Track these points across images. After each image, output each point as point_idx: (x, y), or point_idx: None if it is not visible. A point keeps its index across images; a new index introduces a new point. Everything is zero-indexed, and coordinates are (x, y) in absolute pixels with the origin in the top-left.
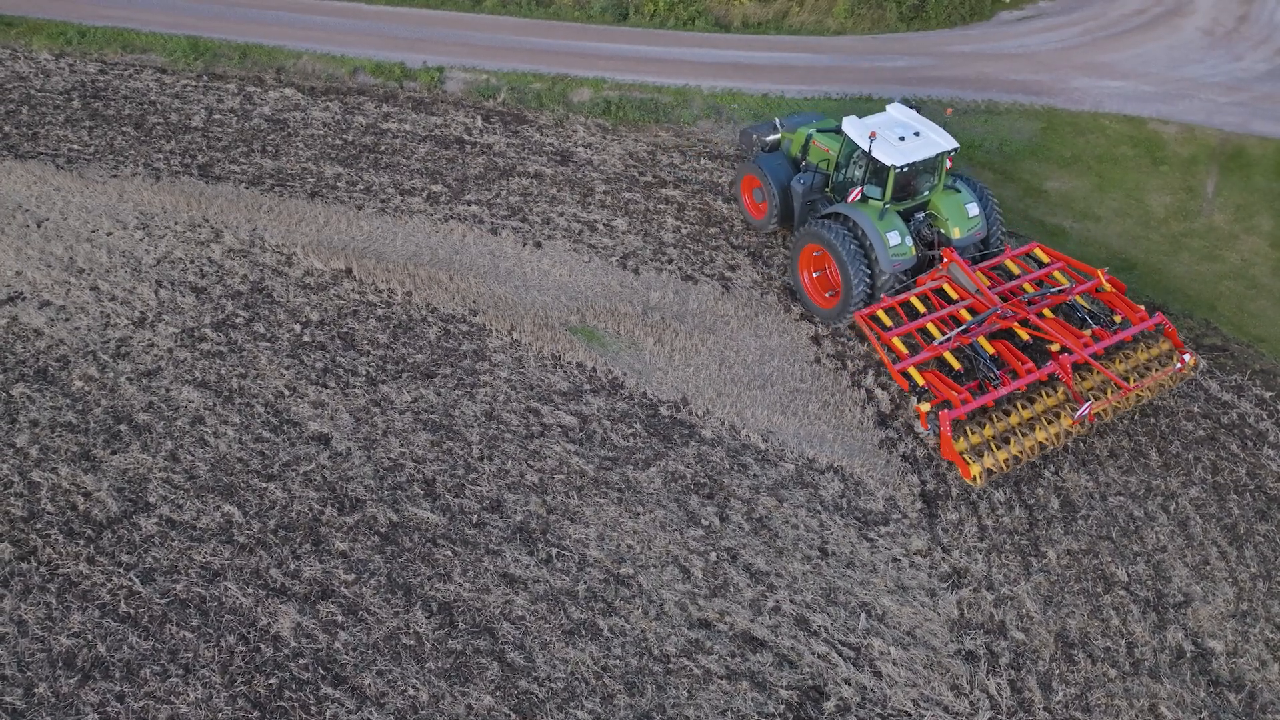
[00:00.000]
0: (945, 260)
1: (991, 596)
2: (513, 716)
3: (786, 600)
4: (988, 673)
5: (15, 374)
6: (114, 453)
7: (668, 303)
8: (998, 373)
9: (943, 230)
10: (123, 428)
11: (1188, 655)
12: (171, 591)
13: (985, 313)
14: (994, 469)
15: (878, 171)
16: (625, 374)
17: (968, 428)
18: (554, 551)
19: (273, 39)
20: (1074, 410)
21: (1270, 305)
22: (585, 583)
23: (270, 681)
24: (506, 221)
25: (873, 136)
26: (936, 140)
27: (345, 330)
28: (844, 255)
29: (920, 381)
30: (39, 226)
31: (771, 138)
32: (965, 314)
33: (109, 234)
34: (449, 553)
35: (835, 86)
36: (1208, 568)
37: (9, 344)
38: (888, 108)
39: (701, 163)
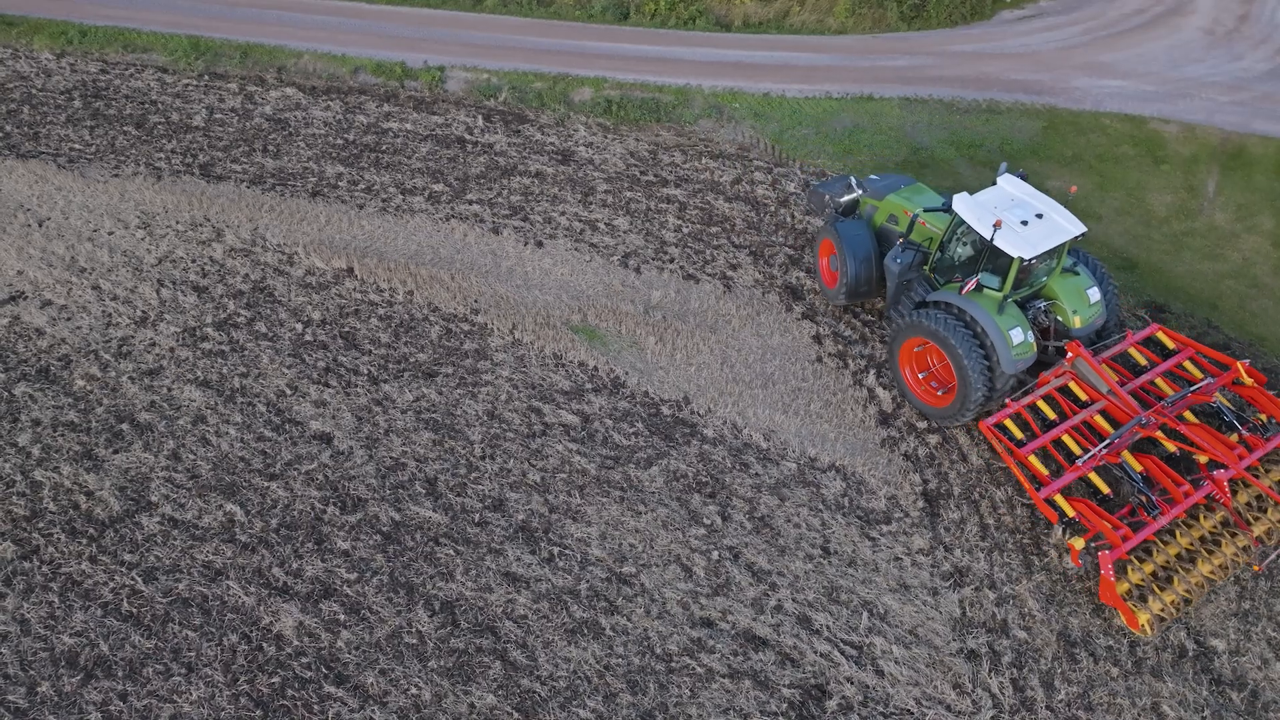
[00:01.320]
0: (1070, 355)
1: (993, 595)
2: (515, 715)
3: (789, 599)
4: (990, 671)
5: (17, 373)
6: (116, 452)
7: (669, 302)
8: (1154, 498)
9: (1062, 319)
10: (125, 427)
11: (1190, 654)
12: (174, 590)
13: (1128, 424)
14: (1164, 615)
15: (998, 260)
16: (627, 373)
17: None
18: (556, 550)
19: (274, 38)
20: (1236, 536)
21: (1272, 304)
22: (587, 582)
23: (273, 680)
24: (508, 221)
25: (998, 226)
26: (1063, 225)
27: (347, 329)
28: (962, 355)
29: (1070, 513)
30: (40, 226)
31: (846, 199)
32: (1100, 420)
33: (110, 233)
34: (451, 552)
35: (836, 86)
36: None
37: (11, 343)
38: (999, 180)
39: (703, 162)
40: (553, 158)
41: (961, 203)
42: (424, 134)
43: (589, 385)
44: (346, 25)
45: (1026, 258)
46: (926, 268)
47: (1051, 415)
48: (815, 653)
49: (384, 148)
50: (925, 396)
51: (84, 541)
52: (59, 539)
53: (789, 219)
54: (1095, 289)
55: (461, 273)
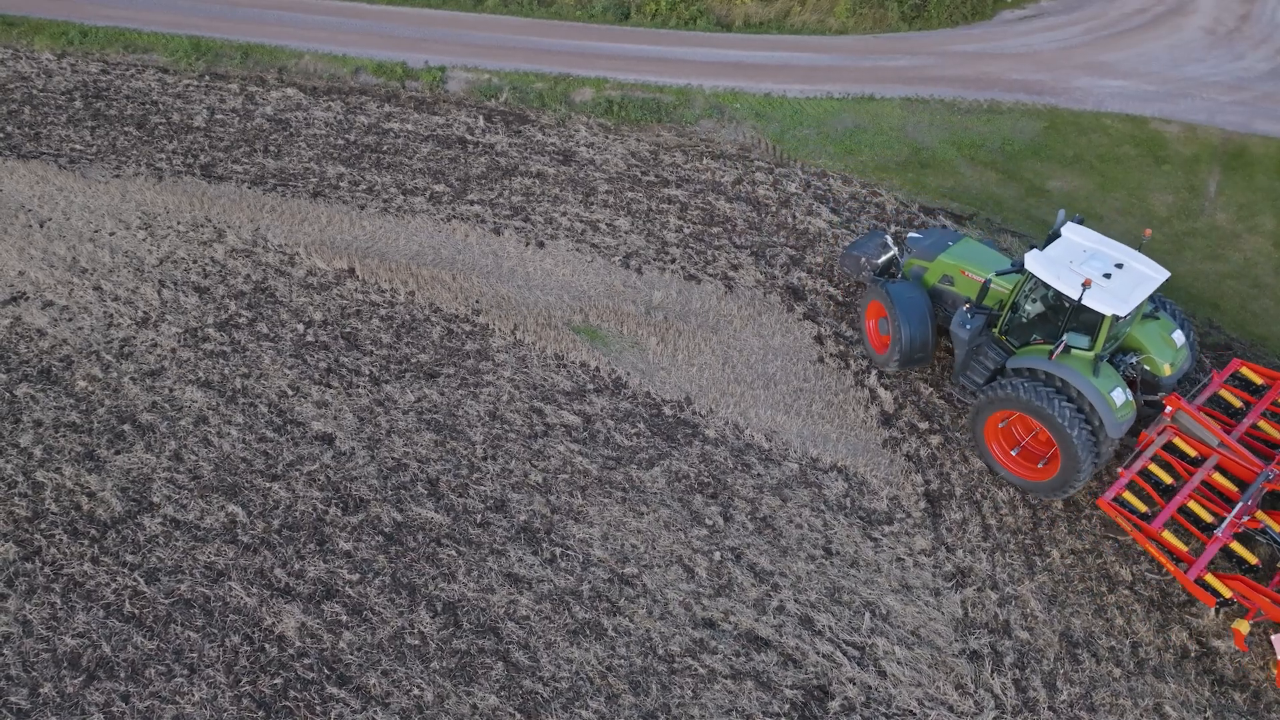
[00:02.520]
0: (1170, 409)
1: (996, 596)
2: (517, 716)
3: (791, 600)
4: (992, 672)
5: (19, 374)
6: (118, 453)
7: (671, 302)
8: None
9: (1151, 369)
10: (126, 428)
11: (1192, 654)
12: (176, 591)
13: (1256, 481)
14: None
15: (1082, 317)
16: (628, 373)
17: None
18: (558, 551)
19: (274, 39)
20: None
21: (1273, 304)
22: (589, 582)
23: (275, 681)
24: (509, 221)
25: (1087, 285)
26: (1146, 273)
27: (348, 330)
28: (1065, 426)
29: (1227, 594)
30: (42, 226)
31: (883, 259)
32: (1220, 477)
33: (112, 234)
34: (453, 552)
35: (837, 86)
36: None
37: (12, 344)
38: (1063, 231)
39: (704, 162)
40: (554, 158)
41: (1036, 262)
42: (425, 134)
43: (590, 386)
44: (347, 25)
45: (1121, 315)
46: (995, 330)
47: (1167, 479)
48: (817, 653)
49: (385, 148)
50: (1021, 470)
51: (86, 542)
52: (61, 540)
53: (790, 219)
54: (1179, 332)
55: (463, 273)
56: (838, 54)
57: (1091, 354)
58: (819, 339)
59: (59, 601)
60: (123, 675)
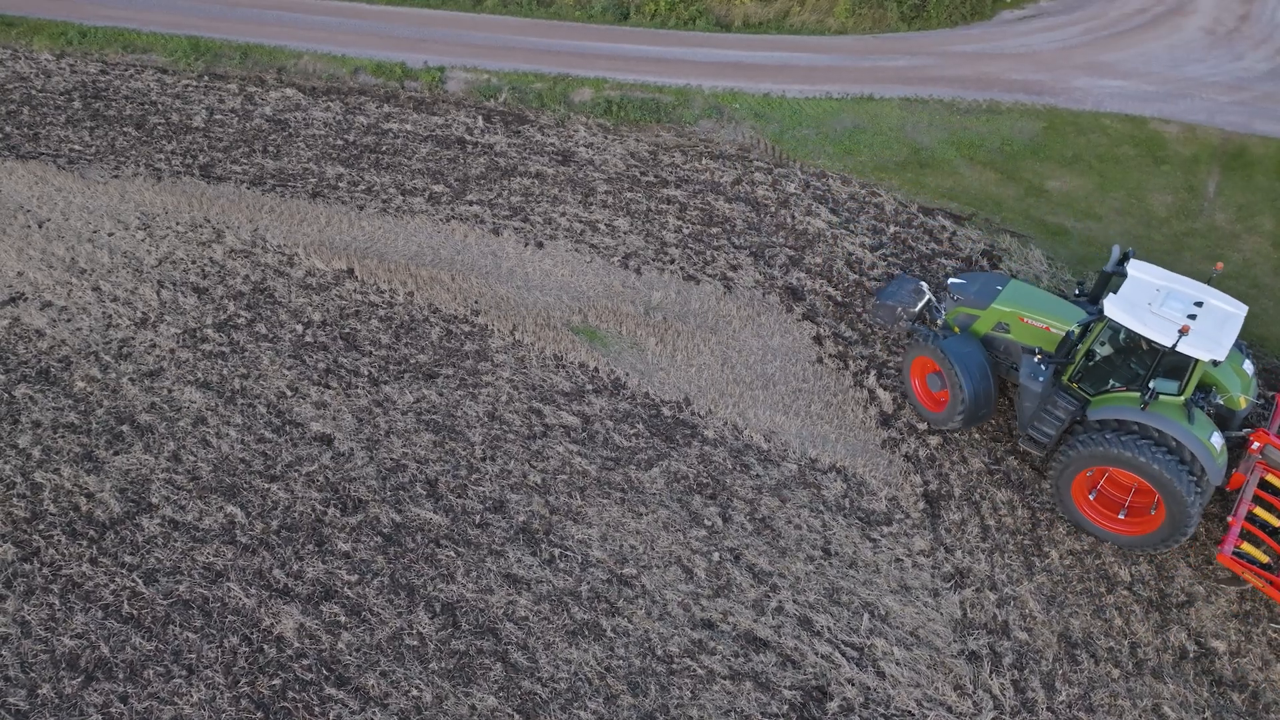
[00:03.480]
0: (1258, 445)
1: (994, 596)
2: (516, 717)
3: (789, 600)
4: (991, 673)
5: (17, 375)
6: (116, 453)
7: (670, 303)
8: None
9: (1226, 403)
10: (125, 428)
11: (1191, 655)
12: (174, 592)
13: None
14: None
15: (1172, 362)
16: (627, 374)
17: None
18: (557, 552)
19: (274, 39)
20: None
21: (1273, 305)
22: (588, 583)
23: (273, 682)
24: (508, 221)
25: (1185, 332)
26: (1228, 310)
27: (347, 331)
28: (1172, 479)
29: None
30: (40, 227)
31: (920, 306)
32: None
33: (110, 234)
34: (452, 553)
35: (836, 86)
36: (1210, 567)
37: (11, 345)
38: (1130, 270)
39: (703, 162)
40: (553, 158)
41: (1118, 309)
42: (424, 135)
43: (589, 386)
44: (346, 26)
45: (1220, 359)
46: (1065, 378)
47: (1275, 521)
48: (816, 654)
49: (384, 148)
50: (1115, 525)
51: (84, 543)
52: (59, 541)
53: (789, 220)
54: (1248, 361)
55: (462, 274)
56: (837, 54)
57: (1181, 399)
58: (818, 339)
59: (57, 602)
60: (121, 676)
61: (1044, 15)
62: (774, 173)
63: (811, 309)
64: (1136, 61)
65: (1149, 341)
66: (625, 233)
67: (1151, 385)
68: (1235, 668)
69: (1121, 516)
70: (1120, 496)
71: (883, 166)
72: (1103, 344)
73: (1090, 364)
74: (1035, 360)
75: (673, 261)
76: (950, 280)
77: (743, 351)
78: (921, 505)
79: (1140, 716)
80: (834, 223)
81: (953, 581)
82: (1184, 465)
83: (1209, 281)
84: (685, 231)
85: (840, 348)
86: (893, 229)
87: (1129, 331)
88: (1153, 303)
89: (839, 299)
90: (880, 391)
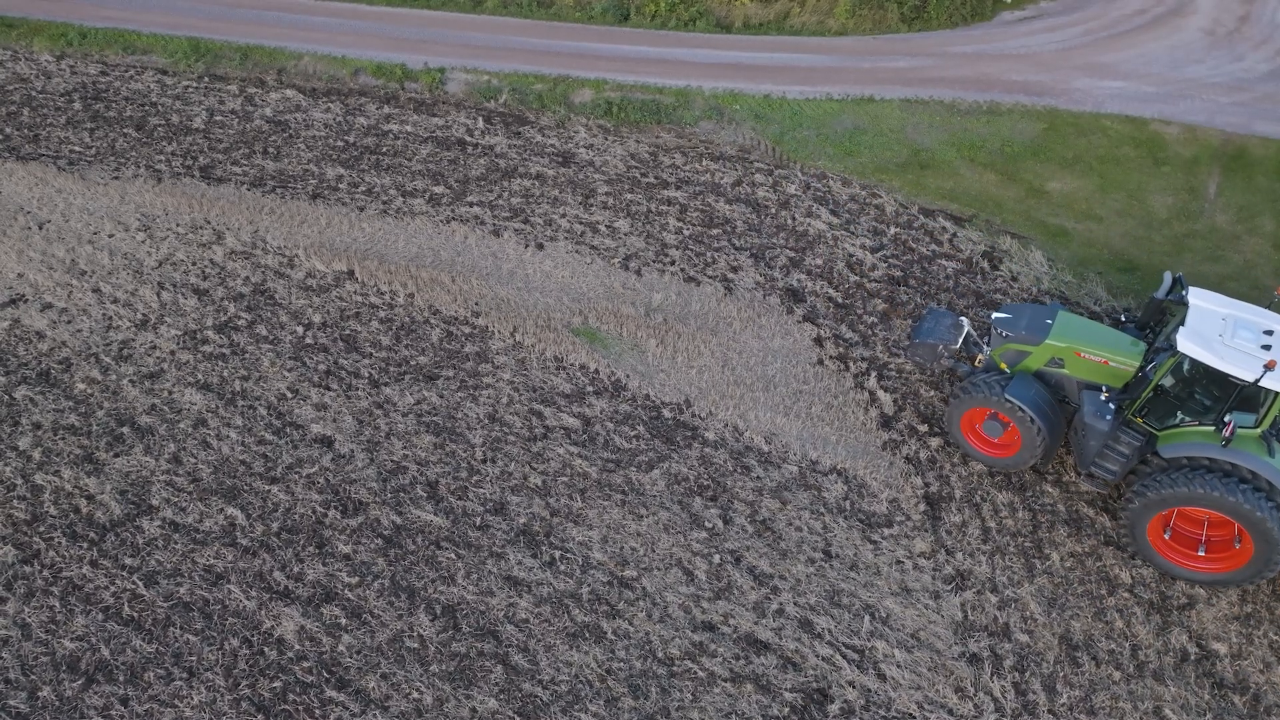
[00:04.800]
0: None
1: (995, 599)
2: (516, 719)
3: (790, 603)
4: (992, 675)
5: (18, 376)
6: (117, 455)
7: (670, 304)
8: None
9: None
10: (125, 430)
11: (1192, 658)
12: (175, 594)
13: None
14: None
15: (1247, 394)
16: (628, 376)
17: None
18: (557, 554)
19: (274, 40)
20: None
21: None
22: (589, 585)
23: (274, 684)
24: (508, 223)
25: (1270, 367)
26: None
27: (347, 332)
28: (1265, 518)
29: None
30: (41, 228)
31: (960, 342)
32: None
33: (111, 236)
34: (452, 555)
35: (837, 87)
36: None
37: (11, 346)
38: (1191, 300)
39: (703, 164)
40: (553, 160)
41: (1193, 344)
42: (424, 136)
43: (590, 388)
44: (346, 27)
45: None
46: (1129, 413)
47: None
48: (817, 656)
49: (384, 150)
50: (1199, 564)
51: (85, 545)
52: (60, 543)
53: (790, 221)
54: None
55: (462, 275)
56: (837, 55)
57: (1258, 431)
58: (818, 341)
59: (58, 604)
60: (122, 678)
61: (1044, 16)
62: (774, 174)
63: (812, 310)
64: (1137, 62)
65: (1228, 376)
66: (626, 234)
67: (1229, 419)
68: (1236, 670)
69: (1201, 553)
70: (1194, 532)
71: (883, 168)
72: (1166, 376)
73: (1155, 397)
74: (1102, 398)
75: (673, 263)
76: (994, 315)
77: (743, 353)
78: (922, 507)
79: (1141, 719)
80: (834, 224)
81: (954, 584)
82: (1271, 502)
83: (1269, 305)
84: (686, 233)
85: (841, 349)
86: (893, 230)
87: (1200, 364)
88: (1223, 334)
89: (840, 300)
90: (881, 393)
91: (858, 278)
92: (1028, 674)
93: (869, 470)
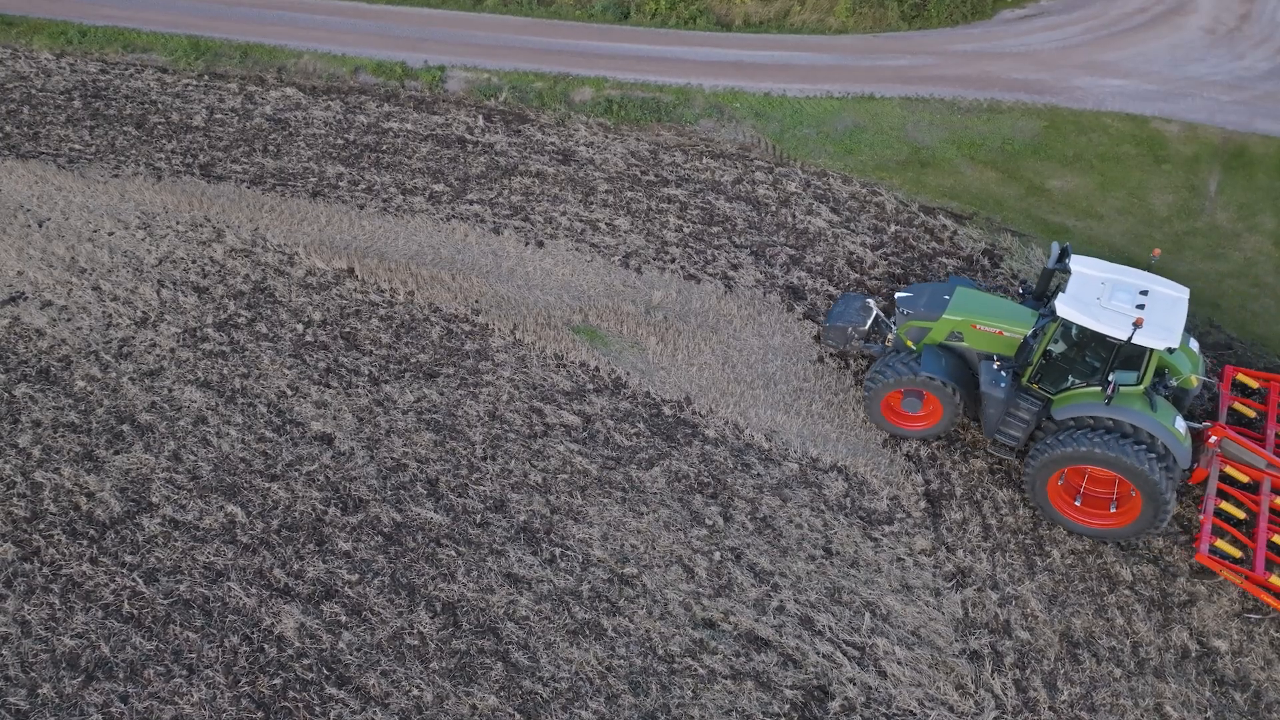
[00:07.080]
0: (1215, 438)
1: (996, 596)
2: (517, 717)
3: (791, 600)
4: (993, 672)
5: (17, 374)
6: (117, 453)
7: (670, 302)
8: None
9: (1180, 383)
10: (125, 428)
11: (1193, 654)
12: (175, 592)
13: None
14: None
15: (1128, 354)
16: (628, 373)
17: None
18: (558, 551)
19: (274, 38)
20: None
21: (1274, 304)
22: (589, 583)
23: (274, 682)
24: (509, 221)
25: (1139, 325)
26: (1172, 295)
27: (348, 330)
28: (1147, 471)
29: None
30: (40, 226)
31: (869, 323)
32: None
33: (111, 234)
34: (452, 553)
35: (837, 85)
36: None
37: (11, 344)
38: (1072, 266)
39: (704, 162)
40: (553, 158)
41: (1070, 308)
42: (424, 134)
43: (590, 386)
44: (347, 25)
45: (1175, 347)
46: (1024, 380)
47: (1239, 514)
48: (817, 654)
49: (384, 148)
50: (1091, 520)
51: (85, 543)
52: (60, 540)
53: (790, 219)
54: (1194, 340)
55: (462, 273)
56: (837, 53)
57: (1140, 388)
58: (819, 338)
59: (58, 602)
60: (121, 676)
61: (1044, 14)
62: (775, 172)
63: (812, 308)
64: (1137, 60)
65: (1104, 337)
66: (626, 232)
67: (1111, 379)
68: (1237, 667)
69: (1078, 504)
70: (1104, 492)
71: (883, 166)
72: (1056, 342)
73: (1047, 363)
74: (994, 367)
75: (673, 261)
76: (897, 294)
77: (744, 351)
78: (923, 504)
79: (1142, 716)
80: (835, 222)
81: (954, 581)
82: (1154, 455)
83: (1146, 268)
84: (686, 231)
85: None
86: (894, 228)
87: (1082, 328)
88: (1100, 297)
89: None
90: None
91: (858, 275)
92: (1028, 671)
93: (869, 467)
